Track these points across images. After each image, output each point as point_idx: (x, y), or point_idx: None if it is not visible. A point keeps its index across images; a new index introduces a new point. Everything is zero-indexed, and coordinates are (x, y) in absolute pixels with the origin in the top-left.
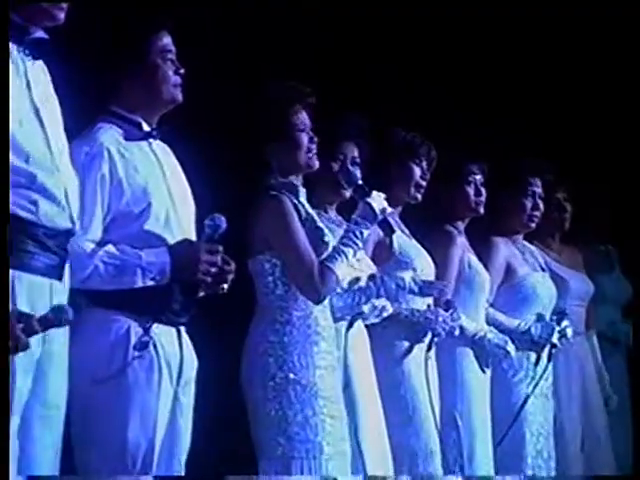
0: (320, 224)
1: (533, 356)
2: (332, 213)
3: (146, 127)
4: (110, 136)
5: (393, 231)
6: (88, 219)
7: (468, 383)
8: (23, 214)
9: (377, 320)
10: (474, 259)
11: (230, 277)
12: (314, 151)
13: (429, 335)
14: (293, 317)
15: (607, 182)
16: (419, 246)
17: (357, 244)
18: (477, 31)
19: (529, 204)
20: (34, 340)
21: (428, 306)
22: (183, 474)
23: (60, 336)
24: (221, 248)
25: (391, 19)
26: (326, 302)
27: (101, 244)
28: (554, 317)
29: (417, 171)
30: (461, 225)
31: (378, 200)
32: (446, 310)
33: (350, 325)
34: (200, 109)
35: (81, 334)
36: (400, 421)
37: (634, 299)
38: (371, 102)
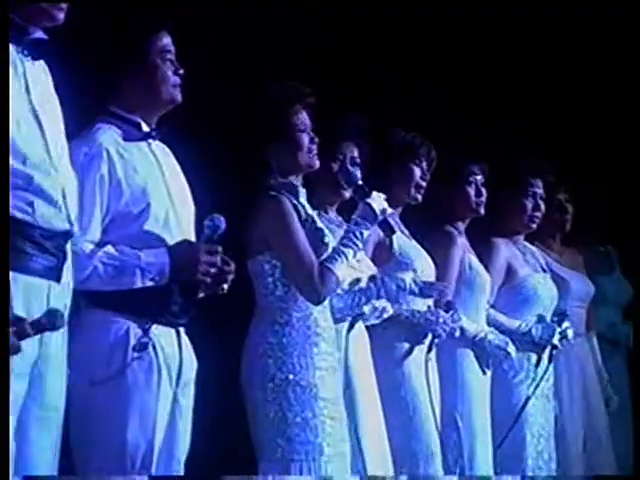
0: (320, 225)
1: (534, 357)
2: (332, 214)
3: (145, 127)
4: (109, 136)
5: (393, 232)
6: (87, 220)
7: (468, 384)
8: (19, 215)
9: (377, 321)
10: (474, 260)
11: (230, 278)
12: (315, 151)
13: (429, 336)
14: (293, 318)
15: (606, 183)
16: (419, 247)
17: (357, 245)
18: (477, 31)
19: (530, 205)
20: (30, 342)
21: (428, 307)
22: (182, 474)
23: (57, 338)
24: (220, 249)
25: (391, 19)
26: (326, 303)
27: (100, 245)
28: (555, 318)
29: (417, 172)
30: (461, 226)
31: (378, 201)
32: (447, 311)
33: (351, 326)
34: (200, 109)
35: (80, 335)
36: (401, 422)
37: (634, 300)
38: (371, 102)
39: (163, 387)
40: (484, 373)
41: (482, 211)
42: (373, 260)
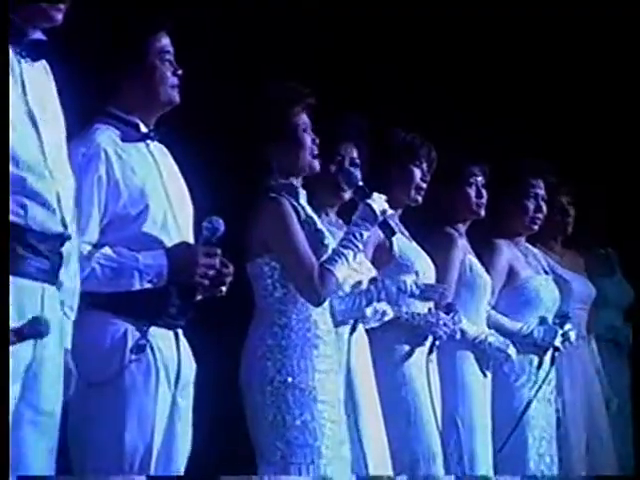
0: (320, 226)
1: (536, 360)
2: (332, 216)
3: (143, 128)
4: (107, 137)
5: (394, 233)
6: (85, 221)
7: (469, 387)
8: (11, 218)
9: (377, 324)
10: (475, 262)
11: (228, 280)
12: (316, 152)
13: (430, 338)
14: (292, 320)
15: (606, 184)
16: (419, 249)
17: (357, 246)
18: (477, 31)
19: (532, 206)
20: (25, 345)
21: (429, 309)
22: (182, 474)
23: (54, 341)
24: (219, 251)
25: (391, 19)
26: (326, 305)
27: (98, 246)
28: (557, 320)
29: (417, 173)
30: (462, 227)
31: (379, 202)
32: (447, 313)
33: (353, 329)
34: (199, 110)
35: (78, 337)
36: (402, 424)
37: (635, 302)
38: (371, 102)
39: (161, 389)
40: (484, 375)
41: (483, 213)
42: (373, 262)
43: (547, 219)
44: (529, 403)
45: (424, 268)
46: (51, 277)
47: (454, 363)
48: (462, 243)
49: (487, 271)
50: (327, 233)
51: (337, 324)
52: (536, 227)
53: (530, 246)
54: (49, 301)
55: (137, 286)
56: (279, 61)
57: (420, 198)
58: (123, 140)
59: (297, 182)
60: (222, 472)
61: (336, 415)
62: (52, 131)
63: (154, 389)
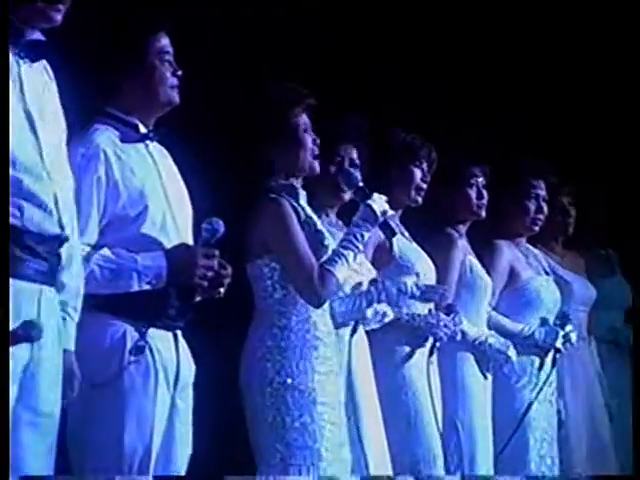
0: (320, 227)
1: (537, 361)
2: (332, 217)
3: (143, 129)
4: (106, 138)
5: (394, 234)
6: (84, 221)
7: (469, 388)
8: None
9: (378, 325)
10: (475, 263)
11: (226, 281)
12: (317, 152)
13: (430, 340)
14: (292, 322)
15: (606, 185)
16: (420, 249)
17: (357, 247)
18: (477, 31)
19: (532, 207)
20: (23, 346)
21: (429, 310)
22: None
23: (52, 342)
24: (218, 252)
25: (391, 19)
26: (326, 307)
27: (97, 247)
28: (558, 321)
29: (418, 174)
30: (462, 228)
31: (379, 202)
32: (447, 314)
33: (354, 330)
34: (199, 110)
35: (77, 338)
36: (402, 426)
37: (635, 303)
38: (371, 103)
39: (160, 391)
40: (485, 377)
41: (483, 214)
42: (373, 263)
43: (548, 220)
44: (530, 404)
45: (424, 269)
46: (49, 279)
47: (454, 365)
48: (462, 244)
49: (488, 272)
50: (327, 234)
51: (337, 326)
52: (537, 228)
53: (531, 247)
54: (47, 303)
55: (136, 287)
56: (279, 61)
57: (420, 199)
58: (122, 141)
59: (297, 183)
60: (222, 473)
61: (336, 417)
62: (51, 132)
63: (153, 390)
